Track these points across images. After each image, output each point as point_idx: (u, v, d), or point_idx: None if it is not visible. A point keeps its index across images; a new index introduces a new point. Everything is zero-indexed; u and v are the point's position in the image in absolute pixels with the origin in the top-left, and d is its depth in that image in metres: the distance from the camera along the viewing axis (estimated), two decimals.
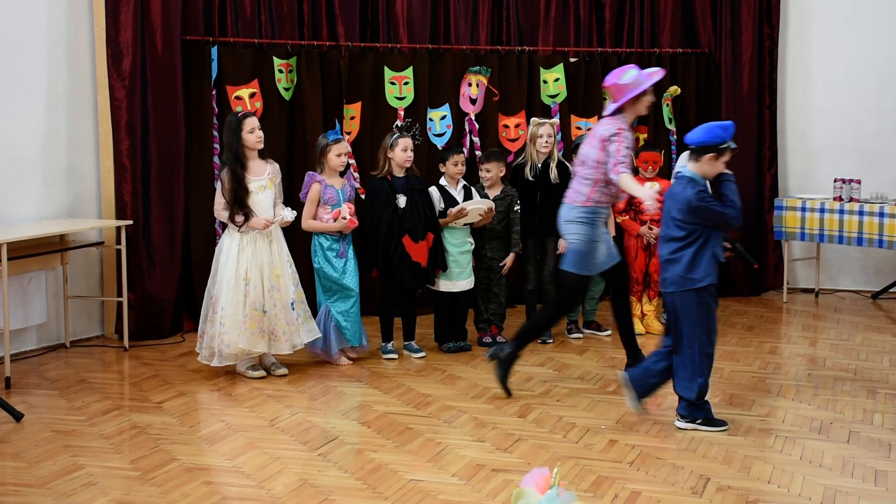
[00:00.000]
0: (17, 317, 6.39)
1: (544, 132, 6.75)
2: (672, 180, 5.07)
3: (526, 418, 5.25)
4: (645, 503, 4.13)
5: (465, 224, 6.53)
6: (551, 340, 6.88)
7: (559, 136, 6.93)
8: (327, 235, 6.20)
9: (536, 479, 2.90)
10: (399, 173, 6.35)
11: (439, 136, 7.80)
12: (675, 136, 8.32)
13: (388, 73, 7.65)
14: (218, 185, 6.02)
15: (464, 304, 6.64)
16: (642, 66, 8.19)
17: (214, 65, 7.12)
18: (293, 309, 6.01)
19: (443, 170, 6.60)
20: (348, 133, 7.50)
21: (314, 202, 6.18)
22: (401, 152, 6.31)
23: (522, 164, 6.85)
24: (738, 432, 5.00)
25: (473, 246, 6.60)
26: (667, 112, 8.29)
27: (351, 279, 6.22)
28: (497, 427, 5.09)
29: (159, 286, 7.01)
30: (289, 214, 6.01)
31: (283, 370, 6.06)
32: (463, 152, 6.82)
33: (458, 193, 6.56)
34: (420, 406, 5.47)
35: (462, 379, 6.00)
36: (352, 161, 7.40)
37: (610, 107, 5.54)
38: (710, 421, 5.02)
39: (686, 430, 5.00)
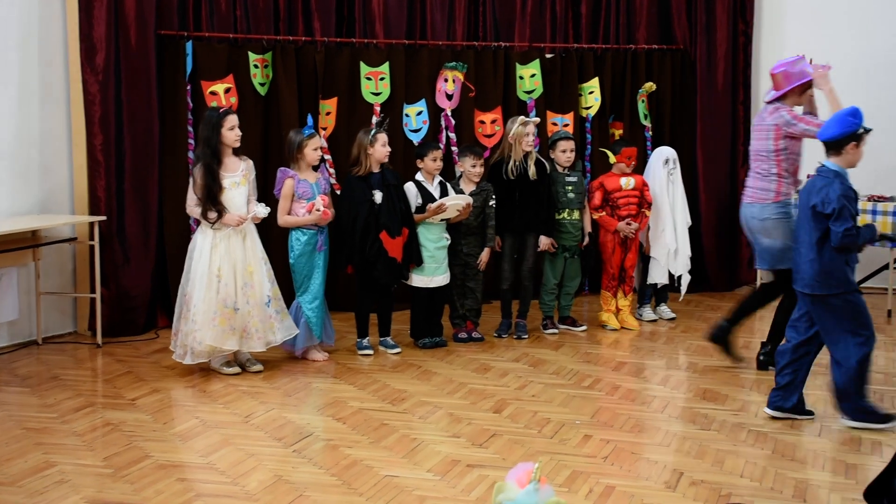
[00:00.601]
0: None
1: (530, 131, 6.77)
2: (812, 174, 5.10)
3: (501, 414, 5.26)
4: (619, 498, 4.15)
5: (442, 220, 6.53)
6: (526, 336, 6.89)
7: (535, 133, 6.96)
8: (304, 230, 6.19)
9: (519, 474, 2.92)
10: (376, 169, 6.34)
11: (415, 131, 7.79)
12: (650, 132, 8.35)
13: (364, 69, 7.63)
14: (190, 182, 5.98)
15: (439, 299, 6.65)
16: (617, 62, 8.33)
17: (189, 60, 7.08)
18: (268, 306, 5.99)
19: (420, 166, 6.60)
20: (324, 129, 7.48)
21: (288, 198, 6.16)
22: (381, 147, 6.31)
23: (501, 161, 6.85)
24: (712, 427, 5.04)
25: (449, 241, 6.60)
26: (642, 108, 8.32)
27: (320, 273, 6.21)
28: (472, 423, 5.10)
29: (133, 282, 6.97)
30: (262, 210, 5.99)
31: (259, 366, 6.04)
32: (440, 148, 6.82)
33: (434, 189, 6.56)
34: (395, 402, 5.47)
35: (438, 374, 6.01)
36: (327, 157, 7.39)
37: (772, 93, 5.83)
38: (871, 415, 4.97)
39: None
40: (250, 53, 7.28)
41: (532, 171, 6.76)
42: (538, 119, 7.26)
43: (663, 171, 7.27)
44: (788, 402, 5.09)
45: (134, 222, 6.98)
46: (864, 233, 4.87)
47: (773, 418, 5.11)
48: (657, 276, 7.28)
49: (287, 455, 4.65)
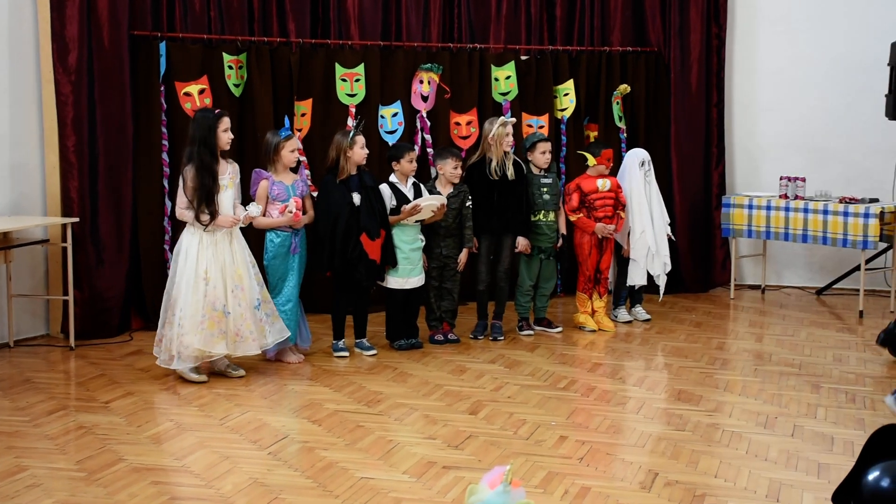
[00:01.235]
0: None
1: (510, 132, 6.78)
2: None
3: (477, 415, 5.26)
4: (594, 498, 4.17)
5: (417, 221, 6.53)
6: (502, 338, 6.90)
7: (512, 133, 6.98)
8: (278, 231, 6.16)
9: (493, 477, 2.93)
10: (353, 171, 6.33)
11: (391, 133, 7.78)
12: (624, 134, 8.39)
13: (340, 70, 7.61)
14: (180, 184, 5.84)
15: (415, 301, 6.64)
16: (591, 64, 8.36)
17: (163, 60, 7.04)
18: (258, 309, 5.92)
19: (396, 167, 6.59)
20: (299, 130, 7.46)
21: (263, 199, 6.13)
22: (360, 150, 6.30)
23: (479, 162, 6.85)
24: (686, 427, 5.07)
25: (424, 242, 6.60)
26: (616, 110, 8.36)
27: (295, 276, 6.18)
28: (448, 424, 5.10)
29: (107, 284, 6.92)
30: (255, 210, 5.96)
31: (241, 372, 5.97)
32: (416, 150, 6.81)
33: (408, 191, 6.56)
34: (371, 404, 5.46)
35: (413, 376, 6.00)
36: (302, 158, 7.36)
37: None
38: None
39: None
40: (225, 54, 7.25)
41: (511, 171, 6.77)
42: (515, 120, 7.28)
43: (640, 172, 7.30)
44: None
45: (107, 224, 6.92)
46: None
47: None
48: (636, 278, 7.31)
49: (262, 457, 4.63)
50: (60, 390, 5.77)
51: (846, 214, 7.66)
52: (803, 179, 8.04)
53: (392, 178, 6.58)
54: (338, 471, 4.45)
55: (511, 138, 6.78)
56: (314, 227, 6.27)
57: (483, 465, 4.41)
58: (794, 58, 8.74)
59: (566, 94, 8.27)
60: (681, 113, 8.52)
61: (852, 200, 7.75)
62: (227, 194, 5.89)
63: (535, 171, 7.00)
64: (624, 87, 8.28)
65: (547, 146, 7.02)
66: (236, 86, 7.33)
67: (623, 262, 7.37)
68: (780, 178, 8.18)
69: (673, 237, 7.64)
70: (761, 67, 8.82)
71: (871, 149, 8.47)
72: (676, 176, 8.50)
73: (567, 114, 8.28)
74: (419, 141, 7.81)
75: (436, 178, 6.81)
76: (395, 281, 6.49)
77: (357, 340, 6.56)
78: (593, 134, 8.31)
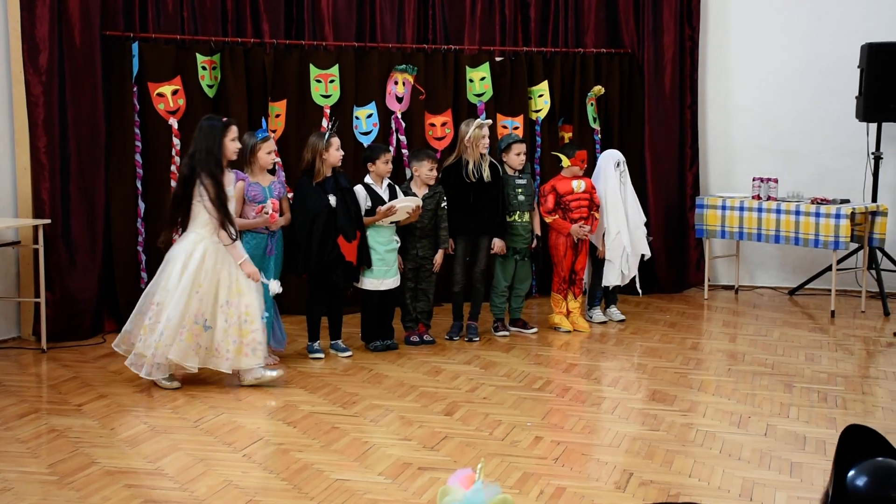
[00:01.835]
0: None
1: (486, 134, 6.78)
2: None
3: (452, 416, 5.26)
4: (570, 498, 4.18)
5: (392, 222, 6.52)
6: (478, 339, 6.91)
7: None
8: (254, 233, 6.13)
9: (461, 478, 2.94)
10: (328, 173, 6.31)
11: (366, 134, 7.77)
12: (598, 136, 8.43)
13: (314, 71, 7.59)
14: (200, 196, 5.56)
15: (390, 302, 6.63)
16: (566, 66, 8.39)
17: (135, 61, 6.99)
18: (257, 329, 5.67)
19: (371, 169, 6.57)
20: (273, 131, 7.43)
21: (239, 201, 6.08)
22: (335, 152, 6.28)
23: (456, 164, 6.85)
24: (661, 427, 5.09)
25: (399, 244, 6.59)
26: (591, 112, 8.39)
27: (270, 277, 6.14)
28: (423, 425, 5.10)
29: (79, 286, 6.86)
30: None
31: (175, 384, 5.73)
32: (391, 151, 6.81)
33: (383, 192, 6.55)
34: (346, 405, 5.45)
35: (389, 378, 5.99)
36: (277, 159, 7.32)
37: None
38: None
39: None
40: (198, 55, 7.21)
41: (487, 173, 6.78)
42: (491, 122, 7.29)
43: (615, 173, 7.33)
44: None
45: (80, 225, 6.86)
46: None
47: None
48: (611, 279, 7.33)
49: (237, 460, 4.61)
50: (32, 393, 5.72)
51: (818, 215, 7.73)
52: (776, 180, 8.11)
53: (367, 179, 6.57)
54: (313, 472, 4.44)
55: (486, 140, 6.79)
56: (290, 229, 6.25)
57: (459, 467, 4.40)
58: (766, 60, 8.81)
59: (541, 96, 8.29)
60: (655, 114, 8.56)
61: (824, 201, 7.82)
62: (232, 205, 5.78)
63: (509, 172, 7.01)
64: (598, 89, 8.32)
65: (522, 147, 7.04)
66: (210, 87, 7.30)
67: (598, 262, 7.39)
68: (753, 180, 8.24)
69: (651, 237, 7.68)
70: (734, 69, 8.89)
71: (843, 150, 8.56)
72: (650, 177, 8.55)
73: (542, 115, 8.30)
74: (394, 142, 7.80)
75: (411, 179, 6.80)
76: (370, 282, 6.48)
77: (332, 342, 6.54)
78: (568, 135, 8.34)
